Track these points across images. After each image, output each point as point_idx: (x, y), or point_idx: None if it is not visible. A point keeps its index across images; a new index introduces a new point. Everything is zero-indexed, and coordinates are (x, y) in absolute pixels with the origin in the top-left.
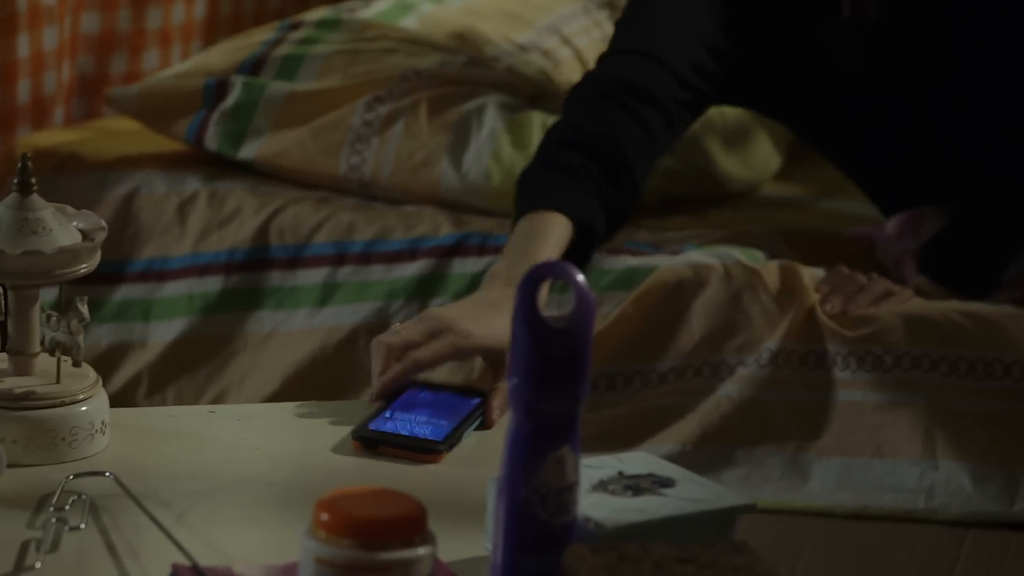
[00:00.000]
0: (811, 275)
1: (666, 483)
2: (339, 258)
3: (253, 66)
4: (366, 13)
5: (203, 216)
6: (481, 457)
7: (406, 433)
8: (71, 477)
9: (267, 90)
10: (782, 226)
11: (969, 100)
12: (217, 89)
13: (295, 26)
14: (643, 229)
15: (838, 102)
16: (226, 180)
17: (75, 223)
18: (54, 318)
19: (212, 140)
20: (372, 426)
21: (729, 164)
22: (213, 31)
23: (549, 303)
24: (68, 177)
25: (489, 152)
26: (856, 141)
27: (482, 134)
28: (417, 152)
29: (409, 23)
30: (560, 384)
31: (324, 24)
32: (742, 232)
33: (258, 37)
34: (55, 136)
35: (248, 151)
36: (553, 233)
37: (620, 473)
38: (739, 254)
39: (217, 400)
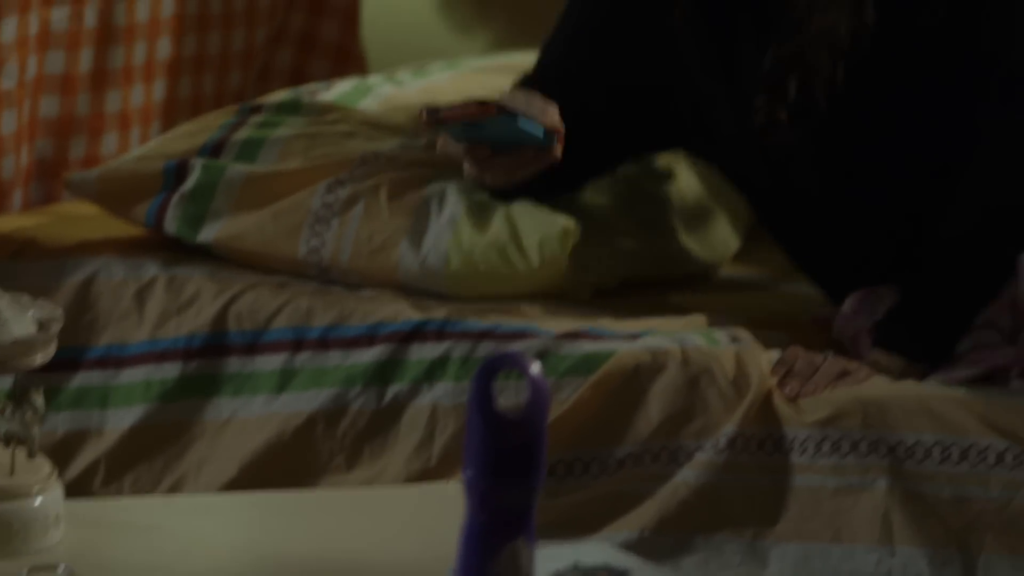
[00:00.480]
0: (768, 359)
1: (621, 574)
2: (297, 343)
3: (213, 149)
4: (326, 96)
5: (161, 302)
6: (437, 550)
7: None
8: (26, 572)
9: (227, 172)
10: (743, 308)
11: (912, 181)
12: (177, 172)
13: (255, 109)
14: (604, 313)
15: (771, 186)
16: (185, 265)
17: (31, 312)
18: (8, 409)
19: (171, 223)
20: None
21: (689, 245)
22: (172, 114)
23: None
24: (26, 263)
25: (449, 236)
26: (792, 227)
27: (443, 218)
28: (377, 235)
29: (369, 105)
30: (515, 476)
31: (284, 107)
32: (703, 315)
33: (218, 120)
34: (13, 221)
35: (207, 234)
36: None
37: (576, 564)
38: (698, 338)
39: (175, 488)
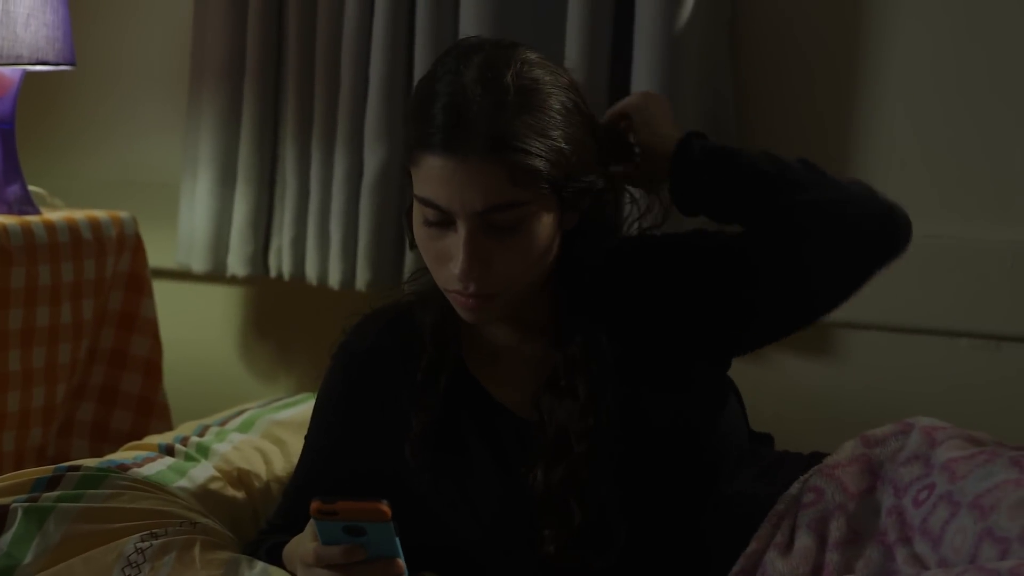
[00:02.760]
0: None
1: None
2: None
3: (29, 501)
4: (141, 471)
5: None
6: None
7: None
8: None
9: (44, 525)
10: None
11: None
12: None
13: (73, 468)
14: None
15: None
16: None
17: None
18: None
19: None
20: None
21: None
22: None
23: None
24: None
25: None
26: None
27: (255, 570)
28: None
29: (184, 484)
30: None
31: (89, 479)
32: None
33: (31, 476)
34: None
35: None
36: None
37: None
38: None
39: None
